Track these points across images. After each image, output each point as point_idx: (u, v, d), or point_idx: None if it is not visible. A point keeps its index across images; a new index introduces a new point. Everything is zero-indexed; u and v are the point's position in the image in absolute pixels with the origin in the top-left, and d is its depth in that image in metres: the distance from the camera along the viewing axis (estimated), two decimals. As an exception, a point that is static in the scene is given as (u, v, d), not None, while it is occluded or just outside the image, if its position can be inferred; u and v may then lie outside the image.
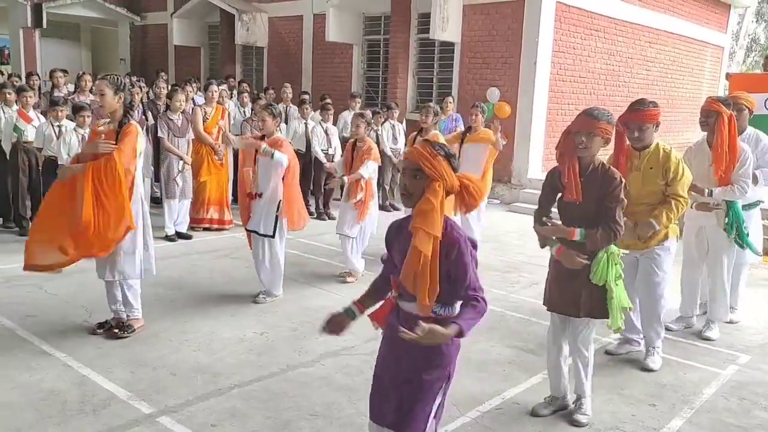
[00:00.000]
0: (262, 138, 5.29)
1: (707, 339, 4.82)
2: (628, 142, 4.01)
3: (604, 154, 3.68)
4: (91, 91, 9.09)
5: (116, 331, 4.43)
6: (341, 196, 6.11)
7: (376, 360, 2.65)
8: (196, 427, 3.32)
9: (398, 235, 2.55)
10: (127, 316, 4.50)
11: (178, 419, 3.38)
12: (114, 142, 4.15)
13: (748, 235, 4.71)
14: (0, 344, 4.21)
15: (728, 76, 9.22)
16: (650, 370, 4.19)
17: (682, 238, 4.84)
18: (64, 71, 10.11)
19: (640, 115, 3.90)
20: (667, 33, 13.83)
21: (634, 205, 3.86)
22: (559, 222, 3.42)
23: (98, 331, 4.43)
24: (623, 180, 3.28)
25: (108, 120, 4.33)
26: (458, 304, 2.46)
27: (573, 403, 3.55)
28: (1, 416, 3.33)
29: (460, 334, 2.29)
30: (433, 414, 2.51)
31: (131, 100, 4.36)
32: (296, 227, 5.45)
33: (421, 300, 2.37)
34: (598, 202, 3.26)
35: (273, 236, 5.23)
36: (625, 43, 12.65)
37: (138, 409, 3.46)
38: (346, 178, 5.81)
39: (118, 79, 4.29)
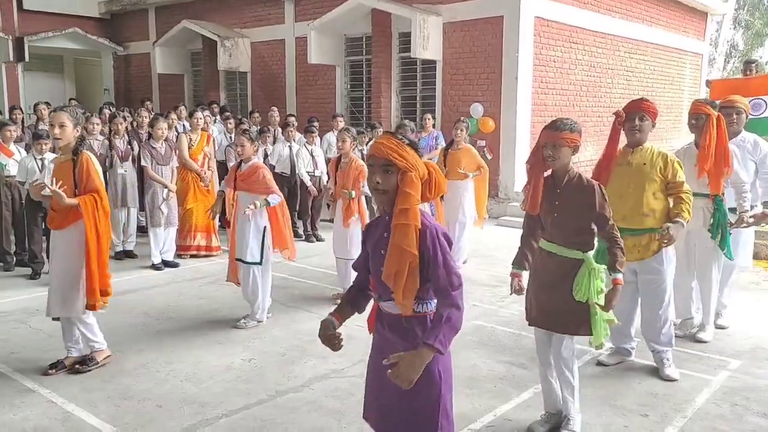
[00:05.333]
0: (239, 165, 5.30)
1: (700, 341, 4.84)
2: (624, 141, 4.10)
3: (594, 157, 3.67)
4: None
5: (78, 366, 4.31)
6: (329, 217, 6.07)
7: (367, 366, 2.59)
8: (183, 459, 3.26)
9: (373, 233, 2.47)
10: (91, 349, 4.41)
11: (164, 452, 3.32)
12: (71, 175, 4.12)
13: (730, 234, 4.71)
14: (-17, 383, 4.14)
15: (708, 82, 9.32)
16: (674, 380, 4.16)
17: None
18: (48, 104, 10.09)
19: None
20: (645, 43, 14.01)
21: (616, 198, 3.85)
22: None
23: (50, 372, 4.25)
24: (602, 188, 3.29)
25: (60, 153, 4.26)
26: (434, 302, 2.37)
27: (562, 419, 3.51)
28: (-17, 457, 3.26)
29: (439, 352, 2.22)
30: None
31: (82, 134, 4.31)
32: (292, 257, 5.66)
33: (398, 299, 2.29)
34: (576, 213, 3.28)
35: (260, 263, 5.22)
36: (605, 54, 12.79)
37: (124, 444, 3.40)
38: (353, 192, 5.78)
39: (76, 112, 4.25)
